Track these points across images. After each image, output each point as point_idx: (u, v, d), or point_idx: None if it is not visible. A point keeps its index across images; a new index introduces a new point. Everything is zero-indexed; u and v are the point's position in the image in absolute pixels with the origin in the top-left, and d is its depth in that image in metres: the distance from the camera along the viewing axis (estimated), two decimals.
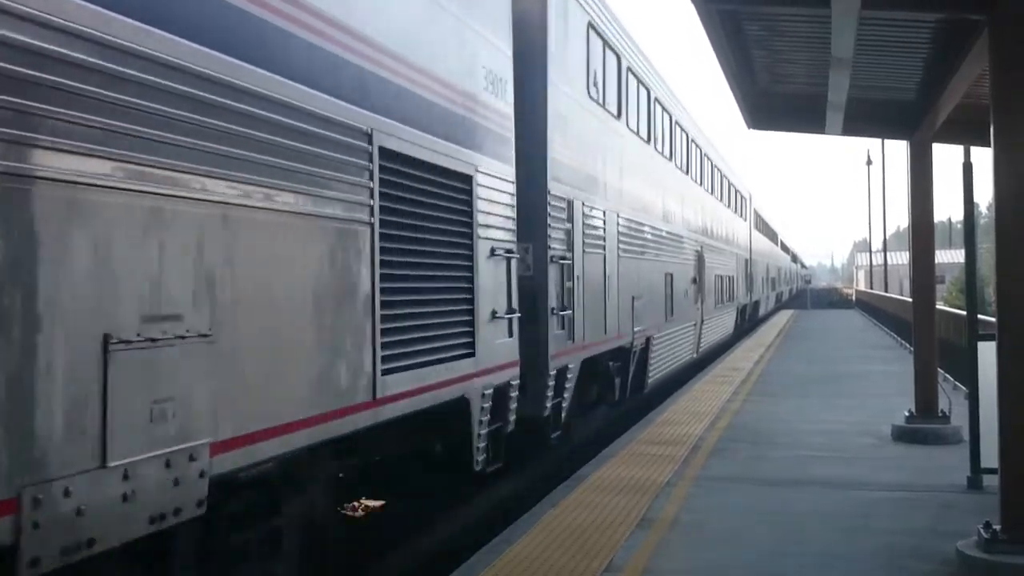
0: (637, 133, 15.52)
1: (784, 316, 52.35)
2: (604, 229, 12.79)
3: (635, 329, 14.40)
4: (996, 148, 6.86)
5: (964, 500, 8.87)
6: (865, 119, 12.42)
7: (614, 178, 13.65)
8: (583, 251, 11.55)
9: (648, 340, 15.48)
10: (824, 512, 8.53)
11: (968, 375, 9.45)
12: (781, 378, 19.94)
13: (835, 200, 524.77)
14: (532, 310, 9.90)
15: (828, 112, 11.45)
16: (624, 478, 9.88)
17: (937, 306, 14.26)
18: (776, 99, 12.55)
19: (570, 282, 10.90)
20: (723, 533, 7.88)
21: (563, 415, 11.00)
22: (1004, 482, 6.86)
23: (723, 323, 27.66)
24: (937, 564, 6.95)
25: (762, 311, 47.36)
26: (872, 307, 45.92)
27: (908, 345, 20.06)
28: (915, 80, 10.61)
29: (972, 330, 9.26)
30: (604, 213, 12.83)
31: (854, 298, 73.79)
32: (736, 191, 34.67)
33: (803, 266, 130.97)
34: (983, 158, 13.19)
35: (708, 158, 25.90)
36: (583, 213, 11.68)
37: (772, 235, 59.32)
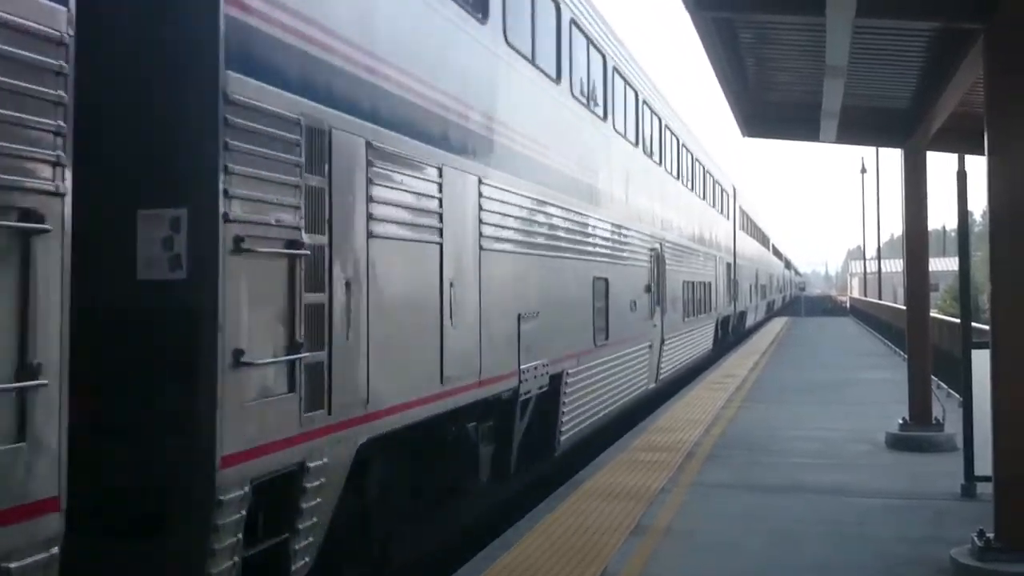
0: (532, 61, 10.16)
1: (779, 323, 52.36)
2: (440, 200, 7.59)
3: (526, 365, 9.66)
4: (990, 156, 6.88)
5: (958, 508, 8.88)
6: (859, 127, 12.46)
7: (476, 119, 8.49)
8: (367, 233, 6.38)
9: (560, 377, 10.95)
10: (818, 520, 8.53)
11: (962, 383, 9.47)
12: (775, 385, 19.95)
13: (830, 208, 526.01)
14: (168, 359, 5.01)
15: (822, 120, 11.48)
16: (619, 485, 9.88)
17: (931, 314, 14.27)
18: (770, 107, 12.59)
19: (321, 293, 5.76)
20: (717, 541, 7.87)
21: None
22: (997, 490, 6.86)
23: (695, 341, 23.17)
24: (931, 572, 6.96)
25: (750, 322, 42.29)
26: (866, 314, 45.98)
27: (902, 352, 20.07)
28: (909, 88, 10.64)
29: (966, 338, 9.28)
30: (439, 172, 7.60)
31: (848, 305, 73.87)
32: (715, 182, 29.79)
33: (797, 273, 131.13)
34: (978, 166, 13.23)
35: (673, 134, 20.54)
36: (367, 160, 6.39)
37: (762, 238, 54.35)
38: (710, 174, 28.14)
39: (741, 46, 9.75)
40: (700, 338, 24.32)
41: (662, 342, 17.73)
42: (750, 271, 42.22)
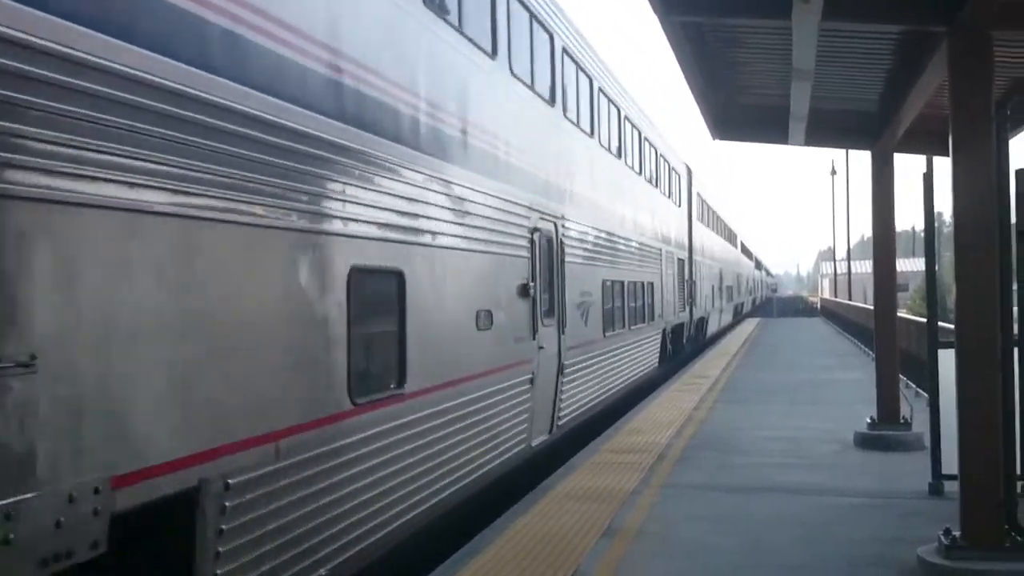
0: None
1: (750, 324, 52.62)
2: None
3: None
4: (955, 158, 6.96)
5: (925, 506, 8.96)
6: (827, 130, 12.55)
7: None
8: None
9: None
10: (788, 520, 8.58)
11: (928, 382, 9.56)
12: (747, 385, 20.05)
13: (801, 210, 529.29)
14: None
15: (791, 123, 11.56)
16: (591, 487, 9.89)
17: (899, 314, 14.41)
18: (740, 110, 12.65)
19: None
20: (687, 542, 7.90)
21: None
22: (963, 488, 6.94)
23: (627, 361, 18.18)
24: (898, 571, 7.02)
25: (712, 329, 37.13)
26: (836, 315, 46.30)
27: (871, 352, 20.24)
28: (876, 91, 10.74)
29: (932, 337, 9.38)
30: None
31: (819, 306, 74.42)
32: (661, 157, 24.10)
33: (769, 274, 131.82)
34: (946, 168, 13.36)
35: (585, 74, 15.06)
36: None
37: (728, 233, 48.86)
38: (651, 144, 22.22)
39: (710, 50, 9.79)
40: (636, 356, 19.14)
41: (560, 370, 12.51)
42: (711, 270, 37.04)
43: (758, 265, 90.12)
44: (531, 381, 11.31)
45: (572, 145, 14.25)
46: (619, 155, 18.01)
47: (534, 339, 11.45)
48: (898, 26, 8.06)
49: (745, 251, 65.69)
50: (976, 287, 6.89)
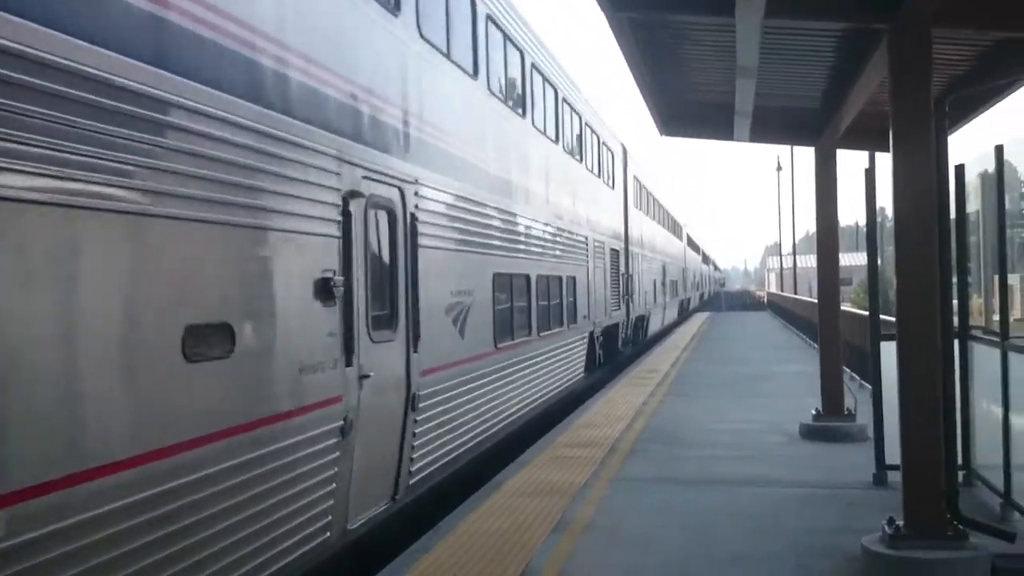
0: None
1: (699, 319, 53.10)
2: None
3: None
4: (895, 153, 7.08)
5: (869, 496, 9.12)
6: (772, 126, 12.70)
7: None
8: None
9: None
10: (735, 511, 8.69)
11: (872, 374, 9.73)
12: (696, 379, 20.24)
13: (748, 205, 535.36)
14: None
15: (736, 119, 11.68)
16: (542, 482, 9.93)
17: (843, 307, 14.63)
18: (687, 106, 12.75)
19: None
20: (637, 534, 7.96)
21: None
22: (906, 478, 7.06)
23: (543, 375, 15.01)
24: (843, 560, 7.13)
25: (655, 328, 34.57)
26: (783, 309, 46.89)
27: (816, 345, 20.40)
28: (819, 88, 10.88)
29: (875, 330, 9.54)
30: None
31: (766, 300, 75.33)
32: (587, 127, 20.55)
33: (717, 268, 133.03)
34: (888, 163, 13.58)
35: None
36: None
37: (672, 224, 45.26)
38: (574, 110, 18.57)
39: (657, 46, 9.85)
40: (552, 368, 15.71)
41: (412, 405, 8.89)
42: (654, 264, 33.83)
43: (705, 259, 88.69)
44: (341, 431, 7.35)
45: (439, 81, 10.31)
46: (523, 113, 14.29)
47: (350, 365, 7.53)
48: (840, 23, 8.17)
49: (692, 244, 62.98)
50: (916, 281, 7.02)
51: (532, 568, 7.02)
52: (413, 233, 9.02)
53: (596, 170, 21.82)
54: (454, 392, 10.26)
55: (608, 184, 23.72)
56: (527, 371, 13.97)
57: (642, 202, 31.35)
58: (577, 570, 7.03)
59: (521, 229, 13.88)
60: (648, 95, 11.61)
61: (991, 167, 7.98)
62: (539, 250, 15.09)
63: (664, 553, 7.44)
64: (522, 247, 13.93)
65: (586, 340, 19.35)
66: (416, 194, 9.14)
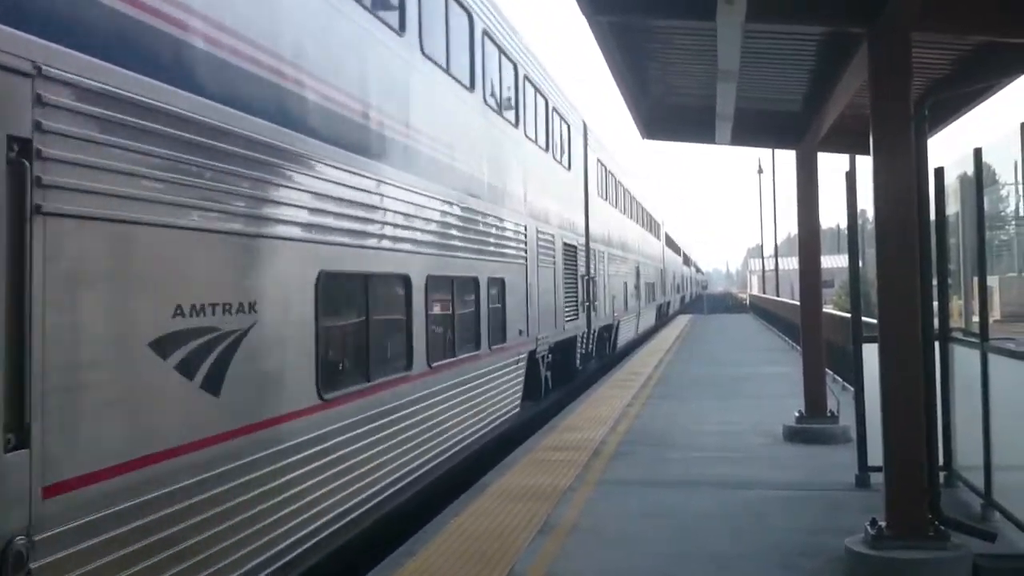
0: None
1: (682, 321, 53.20)
2: None
3: None
4: (875, 156, 7.13)
5: (852, 498, 9.17)
6: (753, 129, 12.76)
7: None
8: None
9: None
10: (719, 513, 8.72)
11: (854, 376, 9.78)
12: (679, 381, 20.29)
13: (730, 207, 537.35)
14: None
15: (717, 122, 11.74)
16: (526, 485, 9.93)
17: (825, 310, 14.70)
18: (669, 110, 12.80)
19: None
20: (622, 536, 7.98)
21: None
22: (888, 480, 7.11)
23: (418, 433, 9.88)
24: (827, 561, 7.17)
25: (628, 337, 30.74)
26: (765, 311, 47.04)
27: (799, 347, 20.39)
28: (800, 91, 10.95)
29: (856, 332, 9.59)
30: None
31: (748, 302, 75.56)
32: (527, 82, 15.83)
33: (699, 270, 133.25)
34: (869, 166, 13.66)
35: None
36: None
37: (648, 221, 41.60)
38: (501, 50, 14.06)
39: (638, 50, 9.89)
40: (454, 415, 11.17)
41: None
42: (625, 265, 29.78)
43: (687, 260, 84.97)
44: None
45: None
46: (399, 30, 9.68)
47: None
48: (820, 27, 8.23)
49: (672, 244, 58.97)
50: (897, 283, 7.07)
51: (517, 571, 7.03)
52: (17, 188, 4.43)
53: (542, 141, 16.87)
54: (167, 516, 5.47)
55: (562, 164, 18.96)
56: (402, 427, 9.33)
57: (609, 192, 27.12)
58: (563, 573, 7.04)
59: (390, 203, 9.24)
60: (630, 99, 11.65)
61: (971, 170, 8.04)
62: (430, 238, 10.40)
63: (650, 554, 7.46)
64: (390, 231, 9.27)
65: (522, 363, 14.72)
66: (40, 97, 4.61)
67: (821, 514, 8.63)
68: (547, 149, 17.47)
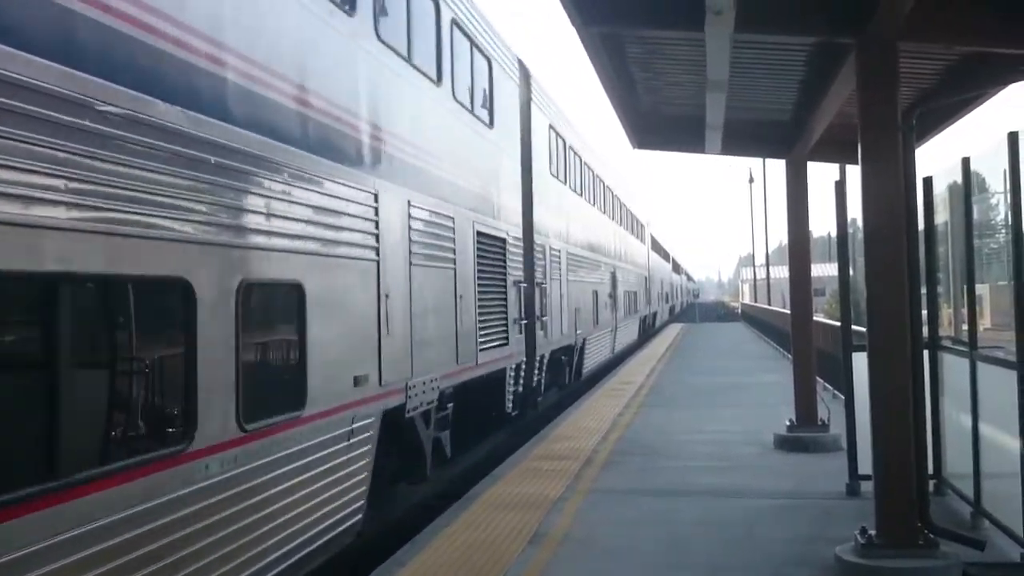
0: None
1: (674, 330, 53.24)
2: None
3: None
4: (863, 166, 7.16)
5: (843, 506, 9.18)
6: (743, 139, 12.79)
7: None
8: None
9: None
10: (710, 522, 8.72)
11: (844, 384, 9.80)
12: (671, 390, 20.31)
13: (722, 217, 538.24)
14: None
15: (707, 133, 11.76)
16: (517, 494, 9.93)
17: (816, 318, 14.73)
18: (659, 119, 12.83)
19: None
20: (613, 546, 7.98)
21: None
22: (878, 488, 7.13)
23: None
24: (817, 570, 7.18)
25: (598, 359, 24.94)
26: (756, 320, 47.10)
27: (790, 355, 20.17)
28: (790, 101, 10.98)
29: (846, 341, 9.62)
30: None
31: (740, 311, 75.64)
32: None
33: (691, 279, 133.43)
34: (858, 175, 13.71)
35: None
36: None
37: (631, 222, 36.72)
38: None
39: (628, 61, 9.92)
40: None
41: None
42: (594, 270, 24.65)
43: (676, 267, 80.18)
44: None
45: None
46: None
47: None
48: (809, 38, 8.26)
49: (659, 249, 53.08)
50: (887, 292, 7.10)
51: None
52: None
53: (426, 67, 10.64)
54: None
55: (474, 114, 12.85)
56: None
57: (571, 174, 21.21)
58: None
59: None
60: (620, 109, 11.68)
61: (959, 179, 8.08)
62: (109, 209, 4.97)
63: (640, 563, 7.45)
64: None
65: (362, 440, 8.27)
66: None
67: (812, 523, 8.63)
68: (438, 81, 11.08)
